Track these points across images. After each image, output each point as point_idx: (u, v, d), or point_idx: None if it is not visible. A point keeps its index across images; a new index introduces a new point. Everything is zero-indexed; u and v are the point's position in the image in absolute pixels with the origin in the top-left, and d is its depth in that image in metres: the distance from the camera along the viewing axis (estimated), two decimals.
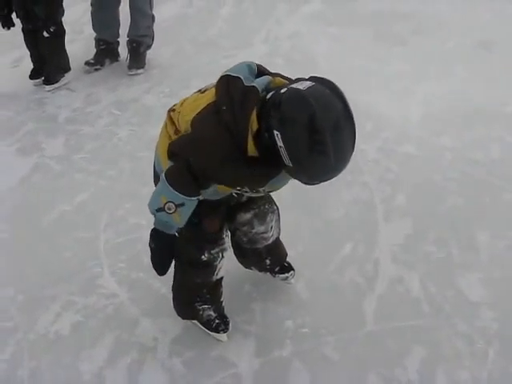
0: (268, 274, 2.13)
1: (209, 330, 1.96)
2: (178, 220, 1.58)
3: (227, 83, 1.50)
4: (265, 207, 1.91)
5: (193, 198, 1.55)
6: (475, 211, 2.56)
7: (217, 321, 1.95)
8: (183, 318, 1.99)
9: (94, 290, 2.17)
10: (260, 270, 2.12)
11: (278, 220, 1.99)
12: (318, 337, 1.96)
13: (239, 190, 1.64)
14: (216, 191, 1.66)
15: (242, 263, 2.12)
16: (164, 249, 1.66)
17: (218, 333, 1.95)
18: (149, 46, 4.07)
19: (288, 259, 2.16)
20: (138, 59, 4.01)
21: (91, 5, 3.97)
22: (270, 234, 1.97)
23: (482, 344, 1.93)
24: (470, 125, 3.26)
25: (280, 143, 1.38)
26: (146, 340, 1.97)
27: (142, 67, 4.01)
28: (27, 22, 3.47)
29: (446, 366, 1.86)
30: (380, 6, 5.24)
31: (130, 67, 3.98)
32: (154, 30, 4.09)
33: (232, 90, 1.48)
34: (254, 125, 1.43)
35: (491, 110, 3.39)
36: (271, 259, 2.07)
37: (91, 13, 4.00)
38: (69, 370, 1.88)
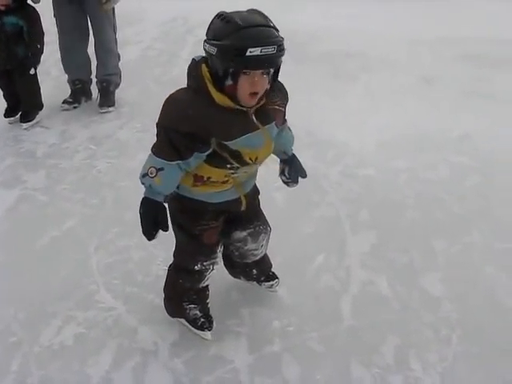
0: (255, 282, 2.33)
1: (194, 327, 2.14)
2: (159, 183, 1.76)
3: (188, 68, 1.77)
4: (260, 228, 2.09)
5: (171, 163, 1.74)
6: (431, 223, 2.87)
7: (202, 319, 2.13)
8: (172, 316, 2.18)
9: (92, 305, 2.31)
10: (247, 280, 2.33)
11: (268, 239, 2.17)
12: (303, 333, 2.17)
13: (230, 168, 1.80)
14: (206, 193, 1.87)
15: (230, 273, 2.32)
16: (150, 215, 1.79)
17: (203, 330, 2.12)
18: (117, 85, 4.28)
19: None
20: (108, 98, 4.21)
21: (60, 49, 4.15)
22: (260, 252, 2.16)
23: (446, 331, 2.19)
24: (420, 149, 3.62)
25: (205, 45, 1.67)
26: (147, 345, 2.13)
27: (113, 105, 4.21)
28: (7, 62, 3.62)
29: (416, 350, 2.11)
30: (330, 47, 5.69)
31: (101, 105, 4.17)
32: None
33: (190, 68, 1.76)
34: (206, 73, 1.68)
35: (437, 136, 3.78)
36: (258, 269, 2.27)
37: (62, 56, 4.17)
38: (77, 374, 2.01)
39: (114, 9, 4.02)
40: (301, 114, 3.90)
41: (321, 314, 2.28)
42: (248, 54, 1.57)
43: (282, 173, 2.11)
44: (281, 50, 1.62)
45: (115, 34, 4.12)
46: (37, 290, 2.40)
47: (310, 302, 2.34)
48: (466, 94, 4.55)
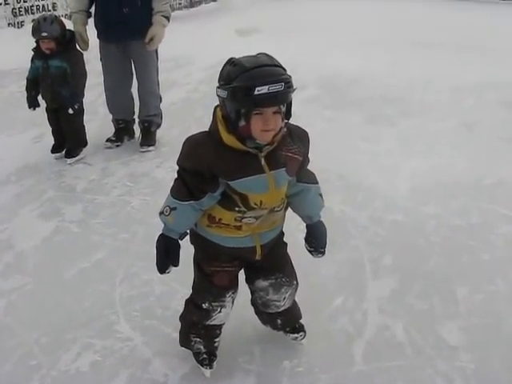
0: (281, 332, 2.29)
1: (196, 361, 2.17)
2: (172, 222, 1.86)
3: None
4: (282, 280, 2.08)
5: (184, 203, 1.82)
6: (456, 269, 2.83)
7: (204, 355, 2.15)
8: (180, 345, 2.21)
9: (110, 335, 2.39)
10: (273, 329, 2.29)
11: (294, 294, 2.16)
12: (313, 374, 2.17)
13: (238, 211, 1.85)
14: (221, 236, 1.92)
15: (259, 319, 2.30)
16: (163, 250, 1.89)
17: (202, 366, 2.15)
18: (159, 125, 4.46)
19: None
20: (149, 137, 4.39)
21: (105, 90, 4.38)
22: (282, 304, 2.14)
23: (460, 381, 2.13)
24: (452, 195, 3.59)
25: (217, 90, 1.76)
26: (158, 376, 2.18)
27: (153, 145, 4.38)
28: (53, 102, 3.88)
29: None
30: (371, 92, 5.76)
31: (141, 144, 4.35)
32: (164, 112, 4.51)
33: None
34: (219, 116, 1.78)
35: (471, 183, 3.75)
36: (282, 320, 2.23)
37: (106, 97, 4.40)
38: None
39: (157, 53, 4.24)
40: (334, 158, 3.98)
41: (332, 356, 2.27)
42: (256, 92, 1.64)
43: (305, 239, 2.08)
44: (289, 86, 1.68)
45: (158, 76, 4.32)
46: (60, 317, 2.50)
47: (322, 343, 2.33)
48: (505, 140, 4.50)
